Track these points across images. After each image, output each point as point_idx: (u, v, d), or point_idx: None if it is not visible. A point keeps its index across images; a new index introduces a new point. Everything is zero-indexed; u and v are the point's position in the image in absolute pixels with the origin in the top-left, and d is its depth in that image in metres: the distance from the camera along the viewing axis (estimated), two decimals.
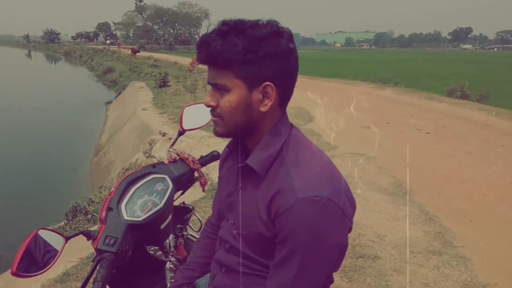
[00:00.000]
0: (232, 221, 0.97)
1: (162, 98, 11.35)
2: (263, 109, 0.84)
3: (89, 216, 4.55)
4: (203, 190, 1.39)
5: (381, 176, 4.43)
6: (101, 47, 56.66)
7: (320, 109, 9.19)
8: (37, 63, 49.90)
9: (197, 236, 1.54)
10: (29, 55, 65.78)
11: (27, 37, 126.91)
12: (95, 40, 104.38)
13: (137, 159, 6.26)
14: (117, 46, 49.49)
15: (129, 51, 32.93)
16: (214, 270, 1.02)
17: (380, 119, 7.98)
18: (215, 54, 0.80)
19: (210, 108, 0.88)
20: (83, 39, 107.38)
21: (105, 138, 10.39)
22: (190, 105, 1.44)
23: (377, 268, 2.63)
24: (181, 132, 1.44)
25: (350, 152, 5.39)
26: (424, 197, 3.87)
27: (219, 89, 0.85)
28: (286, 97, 0.88)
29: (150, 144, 6.22)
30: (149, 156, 5.97)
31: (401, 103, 10.48)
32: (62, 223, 5.15)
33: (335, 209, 0.79)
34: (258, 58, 0.80)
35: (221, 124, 0.88)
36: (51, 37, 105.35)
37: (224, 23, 0.81)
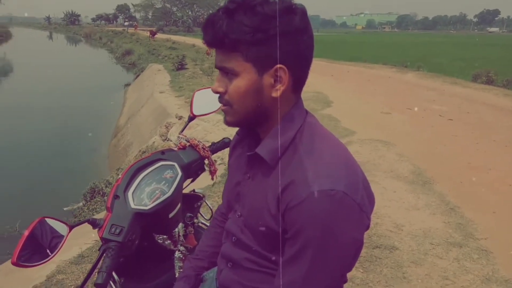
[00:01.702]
0: (240, 213, 0.91)
1: (179, 81, 11.33)
2: (275, 94, 0.77)
3: (106, 197, 4.60)
4: (212, 178, 1.33)
5: (400, 164, 4.31)
6: (120, 29, 56.90)
7: (339, 94, 9.03)
8: (59, 45, 50.57)
9: (208, 225, 1.50)
10: (50, 37, 66.71)
11: (48, 19, 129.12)
12: (114, 22, 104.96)
13: (153, 142, 6.28)
14: (134, 28, 49.72)
15: (147, 33, 33.00)
16: (220, 264, 0.98)
17: (401, 104, 7.78)
18: (221, 35, 0.73)
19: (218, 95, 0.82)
20: (103, 21, 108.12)
21: (123, 120, 10.47)
22: (201, 89, 1.38)
23: (394, 259, 2.56)
24: (192, 118, 1.38)
25: (369, 138, 5.26)
26: (445, 186, 3.75)
27: (227, 74, 0.78)
28: (301, 81, 0.80)
29: (167, 127, 6.22)
30: (166, 139, 5.97)
31: (423, 88, 10.19)
32: (81, 203, 5.25)
33: (352, 204, 0.72)
34: (269, 38, 0.72)
35: (230, 112, 0.82)
36: (72, 19, 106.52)
37: (231, 0, 0.74)
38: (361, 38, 56.99)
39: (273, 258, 0.83)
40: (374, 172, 4.00)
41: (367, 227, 0.78)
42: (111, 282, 1.19)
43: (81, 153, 8.58)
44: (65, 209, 5.39)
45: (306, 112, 0.84)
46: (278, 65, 0.75)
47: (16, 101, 13.67)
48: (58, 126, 10.48)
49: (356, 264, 2.47)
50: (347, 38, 56.09)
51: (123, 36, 39.98)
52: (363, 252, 2.62)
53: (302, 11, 0.75)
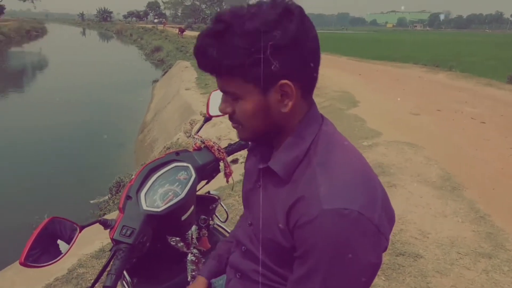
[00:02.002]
0: (250, 221, 0.87)
1: (205, 78, 11.39)
2: (284, 110, 0.72)
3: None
4: (227, 181, 1.30)
5: (428, 168, 4.15)
6: (150, 26, 57.95)
7: (366, 93, 8.84)
8: (91, 41, 52.00)
9: (224, 227, 1.47)
10: (83, 33, 68.72)
11: (82, 15, 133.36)
12: (145, 19, 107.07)
13: (178, 139, 6.34)
14: (163, 25, 50.54)
15: (176, 30, 33.47)
16: (229, 274, 0.94)
17: (431, 105, 7.52)
18: (214, 62, 0.69)
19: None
20: (134, 18, 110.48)
21: (150, 116, 10.64)
22: (217, 89, 1.34)
23: (418, 267, 2.46)
24: (208, 118, 1.36)
25: (395, 140, 5.11)
26: (475, 193, 3.58)
27: (231, 96, 0.75)
28: (310, 87, 0.75)
29: (191, 124, 6.27)
30: (190, 136, 6.02)
31: (455, 89, 9.83)
32: (107, 197, 5.37)
33: (368, 226, 0.66)
34: (266, 56, 0.66)
35: (241, 130, 0.79)
36: (104, 15, 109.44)
37: (218, 19, 0.68)
38: (392, 36, 55.66)
39: (283, 272, 0.79)
40: (400, 176, 3.87)
41: (385, 249, 0.72)
42: (123, 282, 1.19)
43: (110, 147, 8.78)
44: (91, 202, 5.53)
45: (322, 118, 0.79)
46: (282, 81, 0.69)
47: (49, 95, 14.14)
48: (89, 121, 10.77)
49: (378, 272, 2.39)
50: (377, 36, 54.98)
51: (153, 33, 40.66)
52: (386, 259, 2.53)
53: (298, 13, 0.68)
